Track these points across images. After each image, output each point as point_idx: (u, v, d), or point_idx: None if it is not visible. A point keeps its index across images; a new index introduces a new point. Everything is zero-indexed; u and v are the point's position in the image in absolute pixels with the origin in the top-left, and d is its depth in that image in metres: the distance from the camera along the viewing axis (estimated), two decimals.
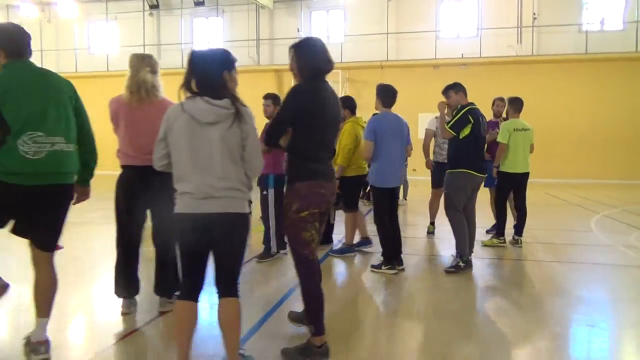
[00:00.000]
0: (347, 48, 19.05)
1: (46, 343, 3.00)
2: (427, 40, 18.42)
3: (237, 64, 2.77)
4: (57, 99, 2.99)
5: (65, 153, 3.00)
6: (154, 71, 3.70)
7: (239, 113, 2.62)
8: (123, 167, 3.75)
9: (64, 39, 21.87)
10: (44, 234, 3.05)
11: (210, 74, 2.64)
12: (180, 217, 2.62)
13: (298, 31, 19.22)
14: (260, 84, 17.61)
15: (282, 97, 3.42)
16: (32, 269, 3.06)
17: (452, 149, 5.33)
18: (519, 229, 6.46)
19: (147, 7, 20.60)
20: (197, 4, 19.93)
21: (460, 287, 4.77)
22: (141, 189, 3.61)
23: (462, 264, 5.11)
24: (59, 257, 3.17)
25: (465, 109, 5.16)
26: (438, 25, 18.68)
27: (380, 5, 18.77)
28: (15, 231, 3.05)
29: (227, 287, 2.72)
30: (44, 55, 21.99)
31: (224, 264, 2.71)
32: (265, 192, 5.62)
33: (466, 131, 5.13)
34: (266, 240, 5.70)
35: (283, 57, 20.19)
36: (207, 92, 2.61)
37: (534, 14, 17.35)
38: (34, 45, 2.97)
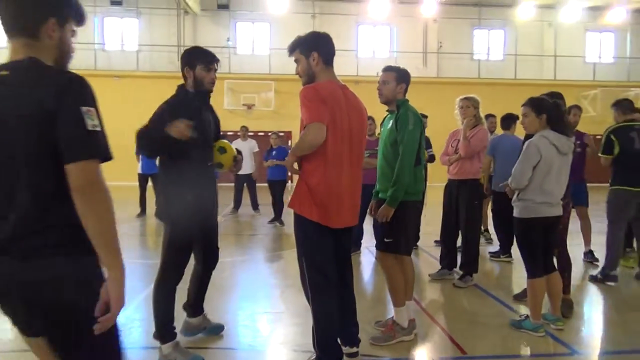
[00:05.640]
0: (274, 60, 19.81)
1: (413, 321, 3.75)
2: (348, 58, 20.14)
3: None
4: None
5: None
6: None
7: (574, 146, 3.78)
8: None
9: None
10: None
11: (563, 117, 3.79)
12: (536, 220, 3.68)
13: (228, 40, 19.39)
14: None
15: None
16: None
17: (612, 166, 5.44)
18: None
19: None
20: (112, 3, 18.85)
21: None
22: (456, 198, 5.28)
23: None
24: None
25: (608, 131, 5.41)
26: (357, 46, 20.58)
27: (305, 21, 19.92)
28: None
29: (550, 264, 3.89)
30: None
31: (551, 248, 3.87)
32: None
33: (616, 151, 5.29)
34: None
35: None
36: (563, 130, 3.68)
37: (439, 42, 20.30)
38: None
